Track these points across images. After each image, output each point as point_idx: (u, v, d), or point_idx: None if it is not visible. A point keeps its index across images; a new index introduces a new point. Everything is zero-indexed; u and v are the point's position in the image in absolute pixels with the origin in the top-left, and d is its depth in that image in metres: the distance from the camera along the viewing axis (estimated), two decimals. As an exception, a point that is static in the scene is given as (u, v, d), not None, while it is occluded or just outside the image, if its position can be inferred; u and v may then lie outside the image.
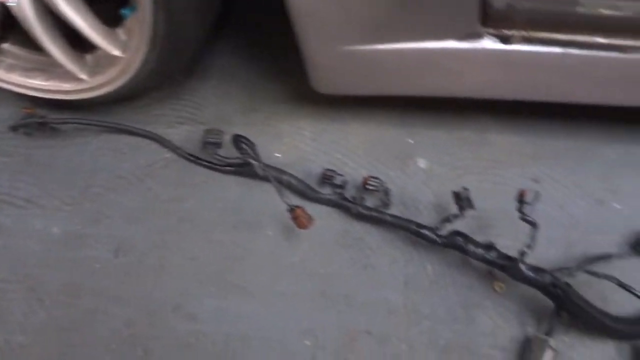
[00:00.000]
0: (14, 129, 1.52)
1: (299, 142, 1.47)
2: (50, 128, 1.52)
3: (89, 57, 1.44)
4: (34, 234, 1.41)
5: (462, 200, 1.24)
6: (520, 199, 1.14)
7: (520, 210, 1.15)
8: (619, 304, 1.22)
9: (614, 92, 1.25)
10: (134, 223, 1.41)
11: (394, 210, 1.36)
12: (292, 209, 1.22)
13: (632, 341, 1.20)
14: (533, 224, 1.15)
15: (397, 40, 1.19)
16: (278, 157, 1.45)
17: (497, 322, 1.26)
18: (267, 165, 1.35)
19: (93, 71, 1.42)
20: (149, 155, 1.49)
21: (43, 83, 1.47)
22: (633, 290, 1.15)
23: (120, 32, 1.37)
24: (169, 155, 1.48)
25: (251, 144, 1.32)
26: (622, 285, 1.15)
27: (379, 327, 1.27)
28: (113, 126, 1.51)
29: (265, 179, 1.32)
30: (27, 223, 1.42)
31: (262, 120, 1.50)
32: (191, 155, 1.45)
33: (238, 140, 1.32)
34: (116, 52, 1.36)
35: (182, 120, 1.53)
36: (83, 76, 1.42)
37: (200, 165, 1.45)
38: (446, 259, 1.31)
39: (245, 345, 1.27)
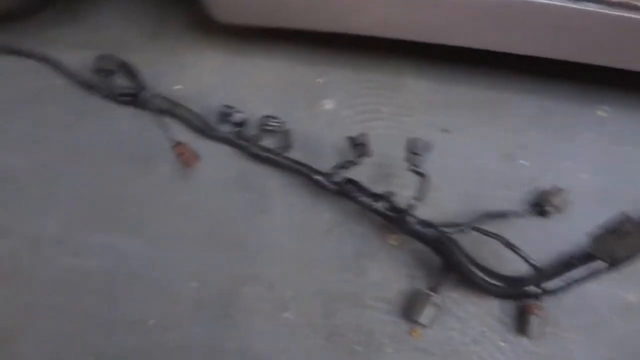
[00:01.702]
0: None
1: (202, 75, 1.36)
2: None
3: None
4: None
5: (358, 147, 1.18)
6: (410, 149, 1.08)
7: (409, 160, 1.09)
8: (513, 262, 1.20)
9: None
10: (17, 152, 1.32)
11: (295, 152, 1.30)
12: (175, 145, 1.14)
13: (516, 301, 1.19)
14: (422, 175, 1.09)
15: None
16: (179, 88, 1.35)
17: (387, 274, 1.23)
18: (159, 96, 1.26)
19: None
20: (40, 80, 1.37)
21: None
22: (518, 251, 1.11)
23: None
24: (61, 81, 1.37)
25: (134, 72, 1.22)
26: (509, 245, 1.12)
27: (268, 272, 1.23)
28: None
29: (153, 110, 1.23)
30: None
31: (164, 49, 1.39)
32: (85, 82, 1.34)
33: (124, 67, 1.22)
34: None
35: (79, 45, 1.41)
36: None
37: (95, 93, 1.34)
38: (345, 208, 1.26)
39: (129, 284, 1.22)
